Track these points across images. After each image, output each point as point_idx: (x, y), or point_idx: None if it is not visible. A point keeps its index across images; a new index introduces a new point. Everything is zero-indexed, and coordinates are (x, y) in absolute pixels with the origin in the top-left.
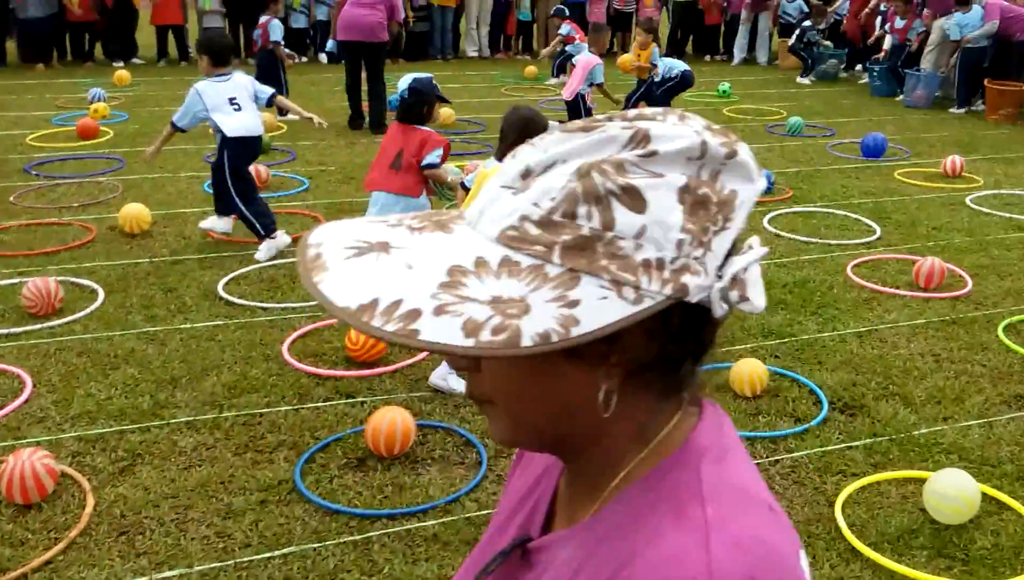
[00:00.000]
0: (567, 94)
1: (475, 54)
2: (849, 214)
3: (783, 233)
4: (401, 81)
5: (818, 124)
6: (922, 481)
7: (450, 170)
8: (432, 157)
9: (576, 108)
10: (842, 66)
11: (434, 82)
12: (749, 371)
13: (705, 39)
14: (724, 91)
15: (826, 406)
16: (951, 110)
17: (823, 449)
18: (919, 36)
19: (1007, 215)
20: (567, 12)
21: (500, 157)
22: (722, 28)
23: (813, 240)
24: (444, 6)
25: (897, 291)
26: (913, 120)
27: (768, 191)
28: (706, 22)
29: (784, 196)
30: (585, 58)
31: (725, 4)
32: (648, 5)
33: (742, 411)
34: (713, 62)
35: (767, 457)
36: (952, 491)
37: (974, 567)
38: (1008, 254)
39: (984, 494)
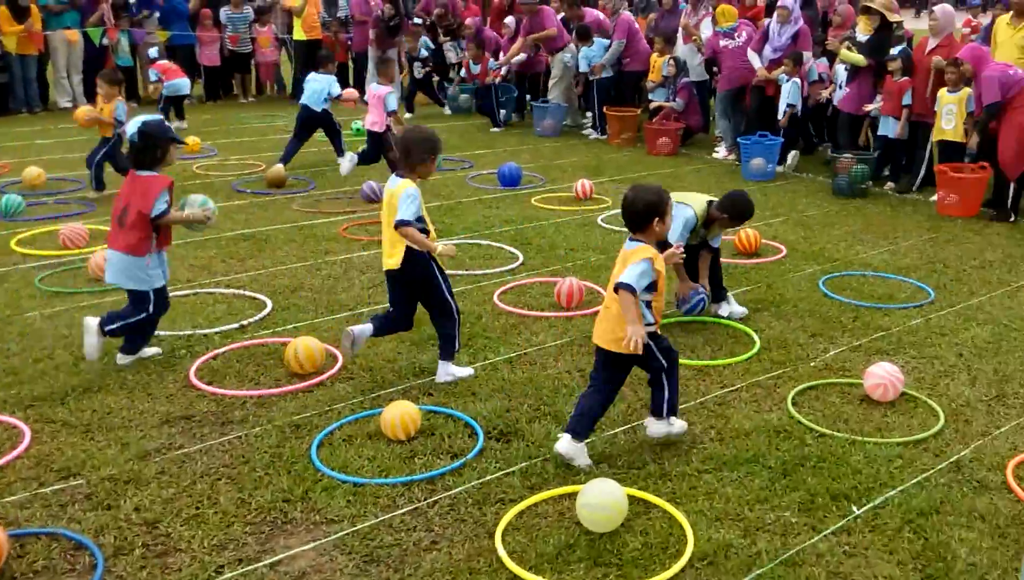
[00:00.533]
0: (379, 127)
1: (69, 104)
2: (492, 243)
3: None
4: (130, 125)
5: (455, 157)
6: (576, 494)
7: (194, 203)
8: (159, 206)
9: (378, 140)
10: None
11: (166, 123)
12: (400, 414)
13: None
14: (358, 129)
15: (482, 437)
16: (588, 133)
17: (481, 480)
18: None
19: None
20: (156, 55)
21: (403, 175)
22: (350, 66)
23: (459, 272)
24: (24, 55)
25: (542, 313)
26: (545, 148)
27: None
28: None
29: None
30: (376, 91)
31: (349, 42)
32: (265, 47)
33: (397, 456)
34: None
35: (425, 499)
36: (599, 500)
37: (627, 569)
38: None
39: (632, 497)
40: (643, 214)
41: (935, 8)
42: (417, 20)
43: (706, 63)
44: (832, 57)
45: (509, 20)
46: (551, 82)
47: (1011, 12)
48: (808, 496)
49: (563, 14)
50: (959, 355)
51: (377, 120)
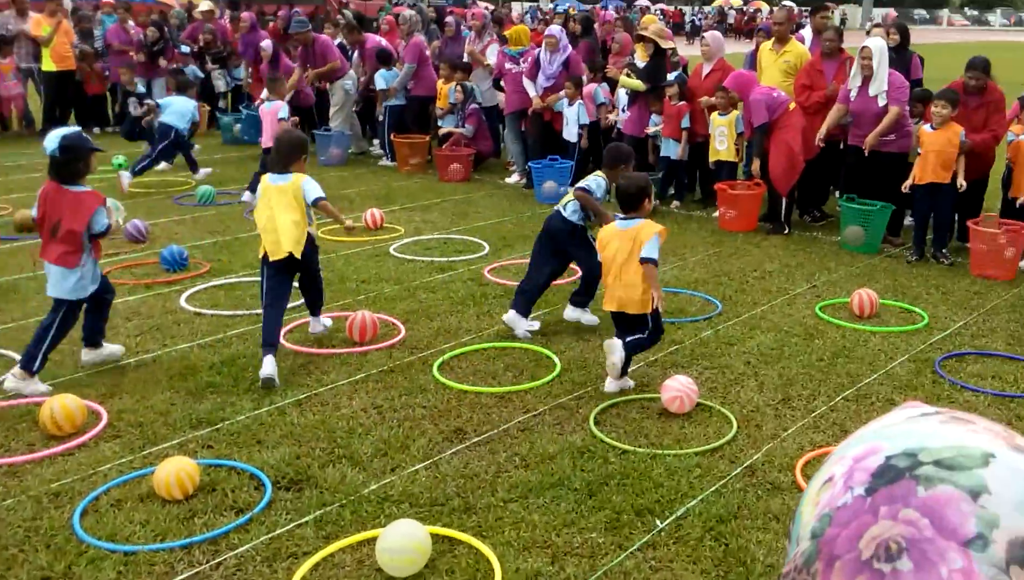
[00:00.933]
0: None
1: None
2: None
3: (204, 310)
4: (49, 140)
5: (234, 190)
6: (375, 540)
7: (112, 209)
8: (101, 222)
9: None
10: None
11: (84, 134)
12: (176, 471)
13: (89, 110)
14: (119, 164)
15: (270, 488)
16: (382, 162)
17: (270, 535)
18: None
19: (428, 259)
20: None
21: (277, 172)
22: (108, 97)
23: (240, 312)
24: None
25: (333, 350)
26: (332, 178)
27: (183, 267)
28: (88, 92)
29: (201, 270)
30: (269, 108)
31: (106, 72)
32: (7, 78)
33: (174, 518)
34: (104, 134)
35: (208, 561)
36: (400, 543)
37: None
38: (434, 296)
39: (435, 535)
40: (636, 196)
41: (706, 35)
42: (184, 48)
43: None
44: (613, 83)
45: (266, 44)
46: (332, 110)
47: (772, 39)
48: (614, 514)
49: (340, 39)
50: (747, 363)
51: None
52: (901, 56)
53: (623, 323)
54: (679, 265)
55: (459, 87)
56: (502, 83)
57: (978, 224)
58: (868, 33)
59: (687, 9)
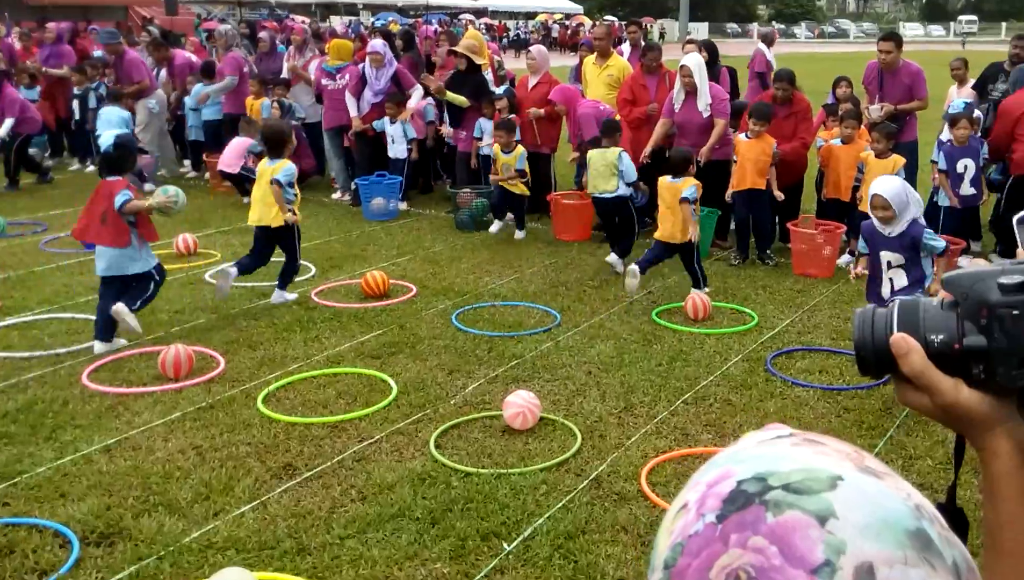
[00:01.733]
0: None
1: None
2: (77, 315)
3: None
4: (104, 139)
5: (26, 221)
6: None
7: (163, 192)
8: (120, 198)
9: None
10: (46, 152)
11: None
12: None
13: None
14: None
15: (77, 545)
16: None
17: None
18: None
19: (248, 284)
20: None
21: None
22: None
23: (37, 353)
24: None
25: (145, 389)
26: None
27: None
28: None
29: None
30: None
31: None
32: None
33: None
34: None
35: None
36: None
37: None
38: (256, 323)
39: None
40: (682, 163)
41: (532, 49)
42: None
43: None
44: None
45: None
46: (136, 129)
47: (595, 53)
48: (459, 541)
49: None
50: (588, 373)
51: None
52: (712, 71)
53: (664, 250)
54: (516, 278)
55: (275, 103)
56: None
57: (797, 226)
58: (683, 48)
59: (511, 24)
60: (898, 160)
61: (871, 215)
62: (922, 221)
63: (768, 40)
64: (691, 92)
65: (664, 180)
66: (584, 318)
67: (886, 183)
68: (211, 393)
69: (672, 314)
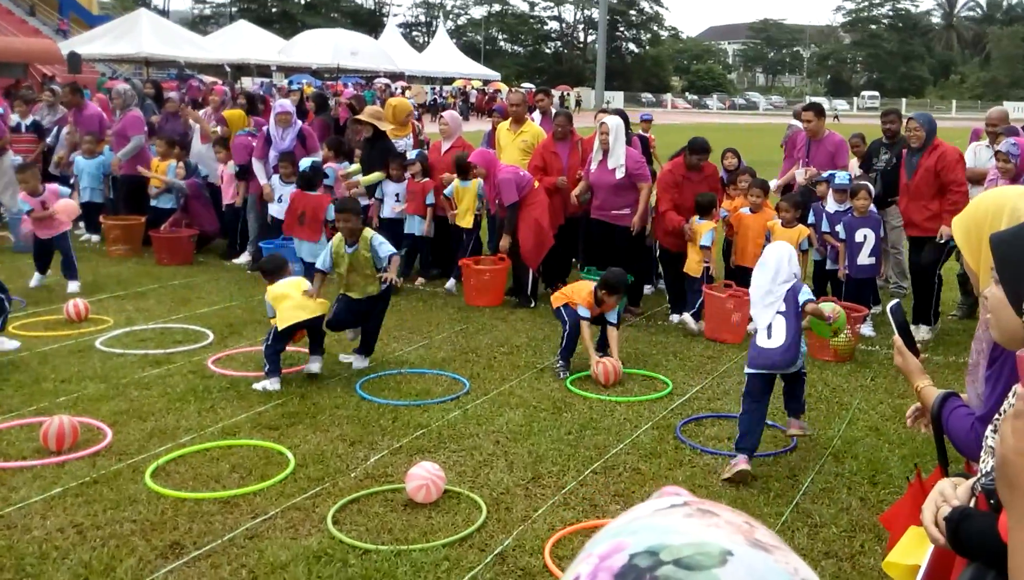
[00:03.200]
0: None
1: None
2: None
3: None
4: (303, 162)
5: None
6: None
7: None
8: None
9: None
10: None
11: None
12: None
13: None
14: None
15: None
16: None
17: None
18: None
19: (142, 352)
20: None
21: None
22: None
23: None
24: None
25: (24, 463)
26: (26, 265)
27: None
28: None
29: None
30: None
31: None
32: None
33: None
34: None
35: None
36: None
37: None
38: (148, 393)
39: None
40: (707, 206)
41: (444, 114)
42: None
43: None
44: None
45: None
46: None
47: (509, 119)
48: None
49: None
50: (496, 442)
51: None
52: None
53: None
54: (424, 344)
55: (180, 164)
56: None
57: (711, 290)
58: (597, 116)
59: (428, 88)
60: (803, 230)
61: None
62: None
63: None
64: (607, 150)
65: (694, 222)
66: (494, 385)
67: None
68: (96, 467)
69: (584, 382)
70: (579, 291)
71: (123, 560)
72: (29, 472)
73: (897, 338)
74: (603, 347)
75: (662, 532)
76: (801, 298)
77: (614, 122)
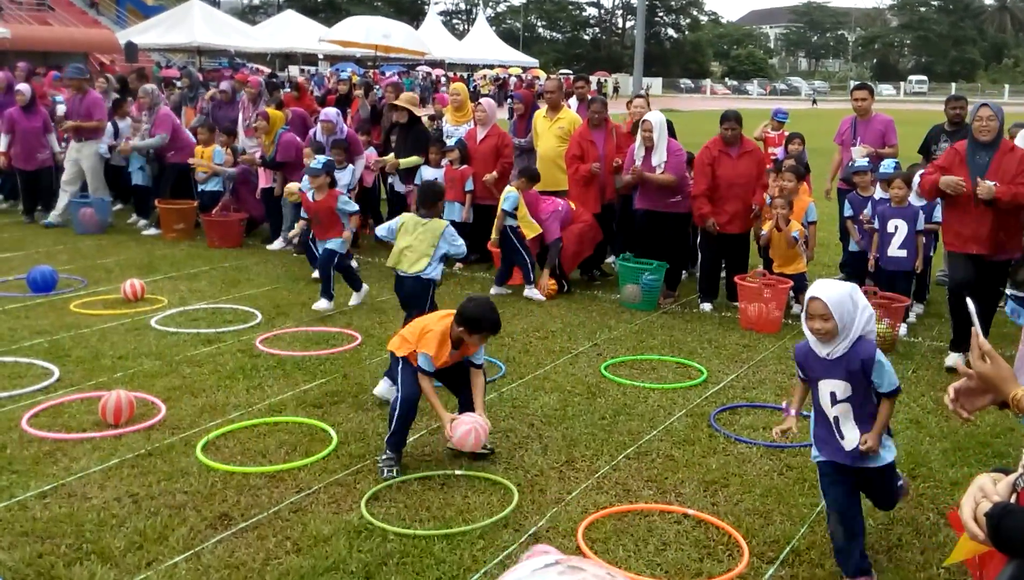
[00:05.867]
0: None
1: None
2: (20, 360)
3: None
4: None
5: None
6: None
7: None
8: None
9: None
10: None
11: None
12: None
13: None
14: None
15: None
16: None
17: None
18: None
19: (194, 331)
20: None
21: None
22: None
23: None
24: None
25: (84, 435)
26: (87, 247)
27: None
28: None
29: None
30: None
31: None
32: None
33: None
34: None
35: None
36: None
37: None
38: (200, 370)
39: None
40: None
41: (482, 101)
42: None
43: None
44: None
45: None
46: (88, 176)
47: (546, 107)
48: None
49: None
50: (531, 425)
51: None
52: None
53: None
54: None
55: (228, 150)
56: None
57: (744, 280)
58: (630, 104)
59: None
60: (796, 227)
61: (806, 331)
62: (873, 342)
63: None
64: (650, 148)
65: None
66: (529, 370)
67: (827, 288)
68: (150, 440)
69: (617, 367)
70: (427, 332)
71: (175, 529)
72: (88, 443)
73: (982, 341)
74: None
75: None
76: (882, 384)
77: (657, 120)
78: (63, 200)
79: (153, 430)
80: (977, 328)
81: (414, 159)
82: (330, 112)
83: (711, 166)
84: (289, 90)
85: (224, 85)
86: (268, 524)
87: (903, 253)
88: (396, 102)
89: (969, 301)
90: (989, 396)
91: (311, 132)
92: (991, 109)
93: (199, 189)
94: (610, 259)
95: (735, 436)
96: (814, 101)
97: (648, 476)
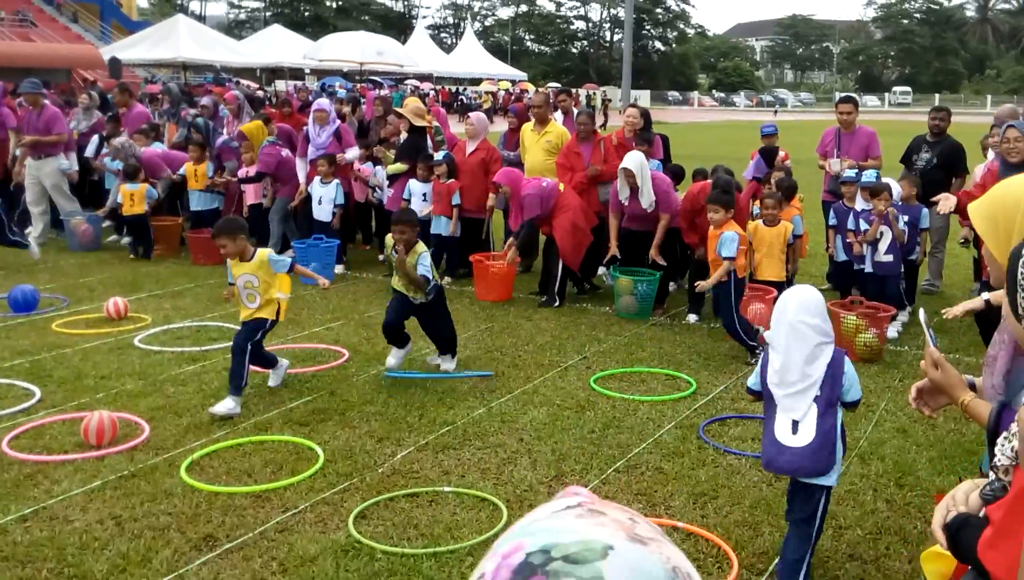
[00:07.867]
0: None
1: None
2: (0, 381)
3: None
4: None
5: None
6: None
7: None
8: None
9: None
10: None
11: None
12: None
13: None
14: None
15: None
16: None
17: None
18: None
19: (178, 349)
20: None
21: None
22: None
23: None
24: None
25: (66, 456)
26: (69, 265)
27: None
28: None
29: None
30: None
31: None
32: None
33: None
34: None
35: None
36: None
37: None
38: (184, 389)
39: None
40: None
41: (471, 115)
42: None
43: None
44: (377, 162)
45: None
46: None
47: (534, 120)
48: None
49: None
50: (520, 440)
51: None
52: (645, 137)
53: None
54: None
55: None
56: None
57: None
58: (621, 112)
59: (453, 88)
60: (787, 226)
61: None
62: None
63: None
64: (635, 190)
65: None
66: (519, 384)
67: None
68: (134, 461)
69: (606, 380)
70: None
71: (159, 551)
72: (70, 465)
73: (933, 349)
74: None
75: (555, 532)
76: (847, 393)
77: (636, 164)
78: (39, 225)
79: (136, 451)
80: (929, 338)
81: (398, 166)
82: (323, 101)
83: (695, 213)
84: (273, 106)
85: (205, 100)
86: (254, 545)
87: (889, 258)
88: (399, 110)
89: (922, 312)
90: (947, 396)
91: (304, 129)
92: (1018, 130)
93: (192, 208)
94: (601, 271)
95: (724, 447)
96: (775, 112)
97: (638, 489)
